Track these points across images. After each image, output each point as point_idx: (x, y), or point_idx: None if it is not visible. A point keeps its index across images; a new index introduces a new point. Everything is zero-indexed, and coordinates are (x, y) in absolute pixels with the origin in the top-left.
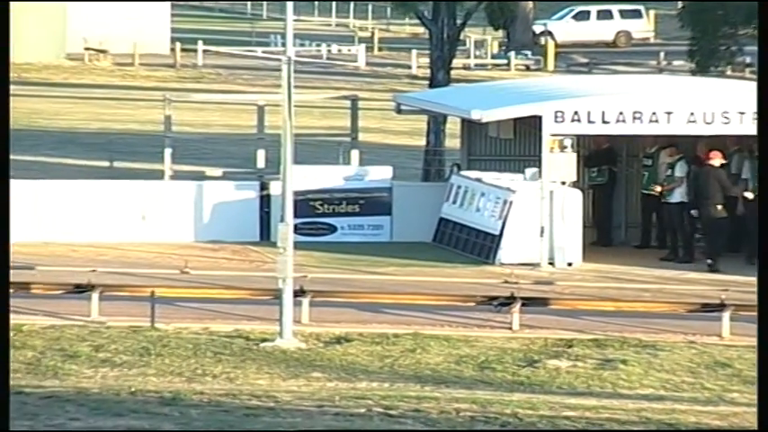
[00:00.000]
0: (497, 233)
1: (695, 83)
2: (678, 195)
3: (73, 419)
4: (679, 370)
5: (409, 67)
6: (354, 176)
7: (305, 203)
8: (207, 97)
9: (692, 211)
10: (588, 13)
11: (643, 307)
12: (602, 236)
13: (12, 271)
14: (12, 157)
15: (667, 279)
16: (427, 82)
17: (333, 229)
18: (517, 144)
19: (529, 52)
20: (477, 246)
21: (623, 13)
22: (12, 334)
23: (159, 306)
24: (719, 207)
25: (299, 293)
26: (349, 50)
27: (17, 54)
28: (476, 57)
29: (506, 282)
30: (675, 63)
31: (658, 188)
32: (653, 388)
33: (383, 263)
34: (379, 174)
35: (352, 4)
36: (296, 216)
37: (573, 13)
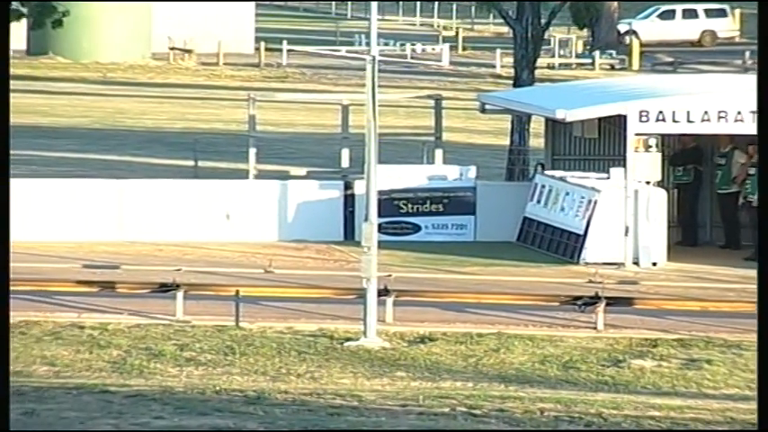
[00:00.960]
0: (582, 233)
1: None
2: None
3: (158, 418)
4: None
5: (493, 67)
6: (457, 176)
7: (389, 203)
8: (291, 97)
9: None
10: (673, 12)
11: (728, 307)
12: (686, 235)
13: (97, 270)
14: (97, 156)
15: (752, 279)
16: (511, 81)
17: (417, 228)
18: (601, 143)
19: (613, 51)
20: (562, 245)
21: (708, 12)
22: (97, 333)
23: (244, 305)
24: None
25: (383, 293)
26: (433, 50)
27: (103, 54)
28: (560, 56)
29: (591, 281)
30: None
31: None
32: (738, 388)
33: (467, 262)
34: (463, 173)
35: (436, 3)
36: (380, 215)
37: (658, 12)
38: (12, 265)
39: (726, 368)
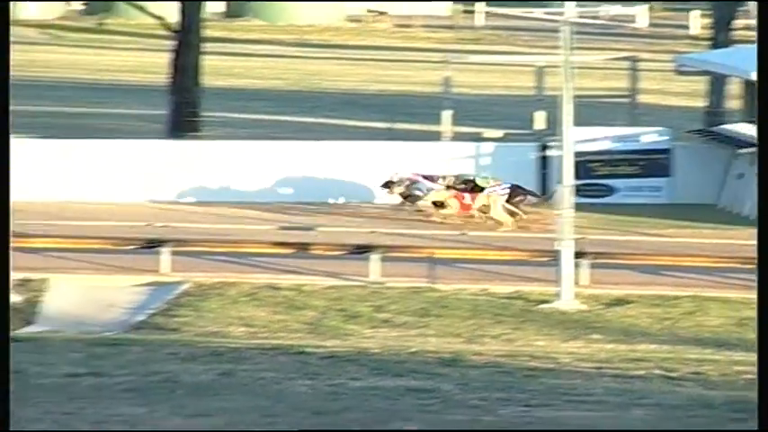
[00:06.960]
0: None
1: None
2: None
3: (353, 379)
4: None
5: (689, 28)
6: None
7: (584, 165)
8: (486, 59)
9: None
10: None
11: None
12: None
13: (292, 232)
14: (292, 118)
15: None
16: (708, 43)
17: (612, 190)
18: None
19: None
20: None
21: None
22: (293, 294)
23: (438, 267)
24: None
25: (578, 255)
26: (629, 12)
27: (299, 16)
28: None
29: None
30: None
31: None
32: None
33: (662, 224)
34: (659, 135)
35: None
36: (575, 177)
37: None
38: (209, 227)
39: None
